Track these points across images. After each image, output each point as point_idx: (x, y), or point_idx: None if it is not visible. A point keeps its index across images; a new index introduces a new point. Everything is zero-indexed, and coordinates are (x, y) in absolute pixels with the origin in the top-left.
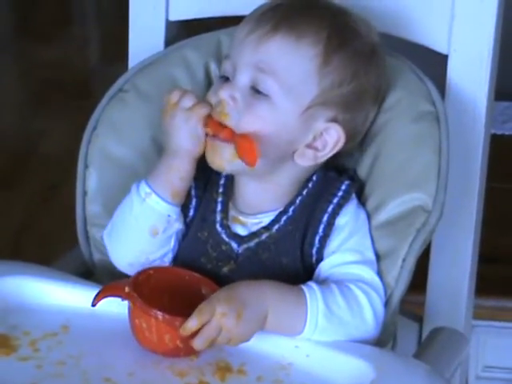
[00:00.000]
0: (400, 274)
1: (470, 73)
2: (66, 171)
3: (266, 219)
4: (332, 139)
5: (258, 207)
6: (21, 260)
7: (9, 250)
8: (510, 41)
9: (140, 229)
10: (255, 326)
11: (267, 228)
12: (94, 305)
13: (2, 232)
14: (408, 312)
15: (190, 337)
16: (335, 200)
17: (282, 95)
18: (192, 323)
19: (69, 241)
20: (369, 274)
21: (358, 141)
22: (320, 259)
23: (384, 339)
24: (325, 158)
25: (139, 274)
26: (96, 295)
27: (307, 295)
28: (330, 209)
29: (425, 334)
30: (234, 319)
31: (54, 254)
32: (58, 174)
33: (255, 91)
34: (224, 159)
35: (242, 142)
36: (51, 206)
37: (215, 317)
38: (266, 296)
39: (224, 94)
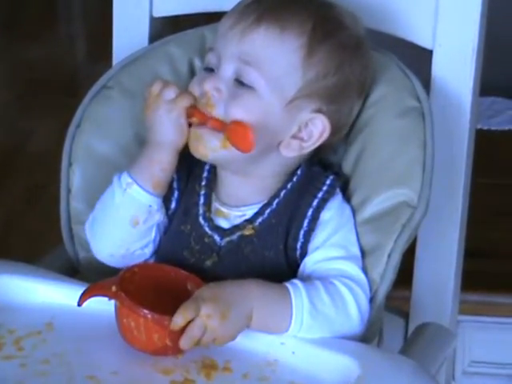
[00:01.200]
0: (385, 270)
1: (455, 68)
2: (53, 169)
3: (249, 212)
4: (317, 130)
5: (241, 200)
6: (7, 258)
7: None
8: (496, 35)
9: (121, 219)
10: (240, 325)
11: (250, 221)
12: (79, 304)
13: None
14: (394, 308)
15: (178, 335)
16: (320, 194)
17: (267, 87)
18: (177, 320)
19: (56, 239)
20: (353, 269)
21: (343, 134)
22: (304, 254)
23: (370, 335)
24: (310, 149)
25: (124, 272)
26: (82, 294)
27: (292, 293)
28: (314, 203)
29: (411, 330)
30: (219, 320)
31: (41, 252)
32: (45, 172)
33: (239, 83)
34: (208, 148)
35: (235, 128)
36: (38, 205)
37: (200, 317)
38: (251, 295)
39: (208, 85)
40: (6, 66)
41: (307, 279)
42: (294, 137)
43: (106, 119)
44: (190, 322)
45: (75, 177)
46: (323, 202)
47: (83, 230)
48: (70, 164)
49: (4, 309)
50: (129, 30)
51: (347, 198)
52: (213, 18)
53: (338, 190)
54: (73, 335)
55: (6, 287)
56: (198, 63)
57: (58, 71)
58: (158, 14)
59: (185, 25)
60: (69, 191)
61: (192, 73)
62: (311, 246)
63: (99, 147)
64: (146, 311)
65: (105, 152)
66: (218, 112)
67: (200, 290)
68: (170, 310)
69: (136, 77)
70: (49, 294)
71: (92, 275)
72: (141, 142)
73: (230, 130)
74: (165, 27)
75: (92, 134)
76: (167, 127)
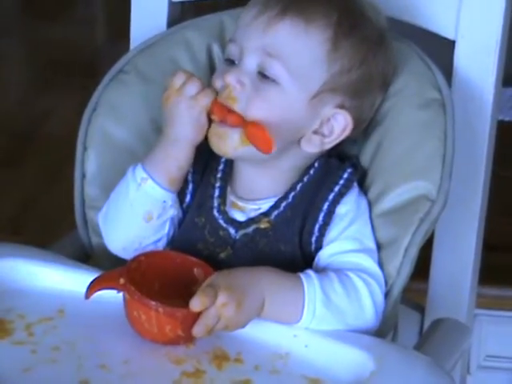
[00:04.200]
0: (402, 263)
1: (478, 59)
2: (71, 151)
3: (265, 205)
4: (339, 126)
5: (257, 193)
6: (23, 240)
7: (11, 230)
8: None
9: (134, 214)
10: (253, 314)
11: (266, 214)
12: (87, 297)
13: (4, 211)
14: (410, 302)
15: (190, 325)
16: (336, 188)
17: (291, 81)
18: (195, 304)
19: (73, 221)
20: (368, 262)
21: (364, 128)
22: (319, 248)
23: (384, 330)
24: (331, 145)
25: (131, 262)
26: (89, 287)
27: (304, 282)
28: (330, 197)
29: (427, 324)
30: (234, 309)
31: (58, 234)
32: (63, 153)
33: (263, 76)
34: (230, 146)
35: (253, 130)
36: (56, 186)
37: (215, 306)
38: (263, 283)
39: (231, 78)
40: (25, 46)
41: (322, 271)
42: (316, 132)
43: (122, 104)
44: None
45: (90, 162)
46: (339, 196)
47: (97, 215)
48: (85, 148)
49: (15, 294)
50: (147, 14)
51: (364, 190)
52: (233, 2)
53: (355, 184)
54: (84, 322)
55: (15, 271)
56: (216, 49)
57: (78, 52)
58: None
59: (206, 10)
60: (83, 176)
61: (210, 59)
62: (326, 239)
63: (115, 132)
64: (157, 304)
65: (120, 137)
66: (239, 105)
67: (214, 276)
68: (177, 296)
69: (153, 62)
70: (61, 280)
71: (105, 261)
72: (157, 127)
73: (249, 131)
74: (185, 12)
75: (108, 118)
76: (187, 124)
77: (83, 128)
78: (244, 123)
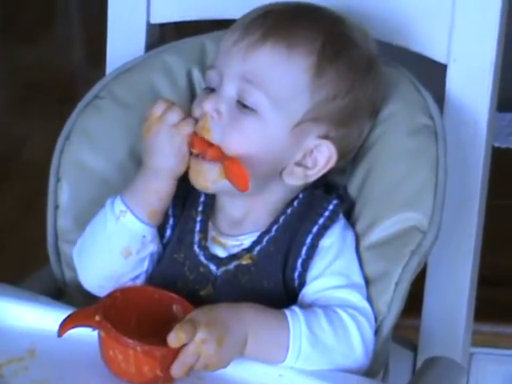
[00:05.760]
0: (392, 299)
1: (471, 84)
2: (47, 180)
3: (246, 241)
4: (323, 157)
5: (239, 228)
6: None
7: None
8: None
9: (112, 249)
10: (235, 352)
11: (248, 250)
12: (60, 335)
13: None
14: (402, 339)
15: (169, 364)
16: (321, 221)
17: (271, 110)
18: (172, 340)
19: (47, 255)
20: (356, 298)
21: (351, 157)
22: (303, 283)
23: (374, 369)
24: (315, 177)
25: (106, 298)
26: (62, 324)
27: (289, 319)
28: (314, 230)
29: (419, 363)
30: (214, 346)
31: (35, 262)
32: (40, 180)
33: (242, 106)
34: (209, 180)
35: (231, 166)
36: (31, 217)
37: (194, 343)
38: (247, 320)
39: (208, 106)
40: (1, 69)
41: (307, 308)
42: (298, 164)
43: (97, 132)
44: (182, 347)
45: (63, 193)
46: (324, 229)
47: (70, 248)
48: (57, 180)
49: None
50: (124, 37)
51: (352, 221)
52: (216, 24)
53: (340, 216)
54: (56, 362)
55: None
56: (196, 74)
57: (55, 76)
58: (155, 20)
59: (187, 31)
60: (56, 207)
61: (191, 84)
62: (310, 275)
63: (90, 161)
64: (135, 343)
65: (95, 166)
66: (213, 137)
67: (194, 312)
68: (155, 334)
69: (130, 87)
70: (32, 318)
71: (79, 296)
72: (134, 156)
73: (227, 166)
74: (165, 34)
75: (82, 147)
76: (168, 154)
77: (56, 158)
78: (223, 158)
